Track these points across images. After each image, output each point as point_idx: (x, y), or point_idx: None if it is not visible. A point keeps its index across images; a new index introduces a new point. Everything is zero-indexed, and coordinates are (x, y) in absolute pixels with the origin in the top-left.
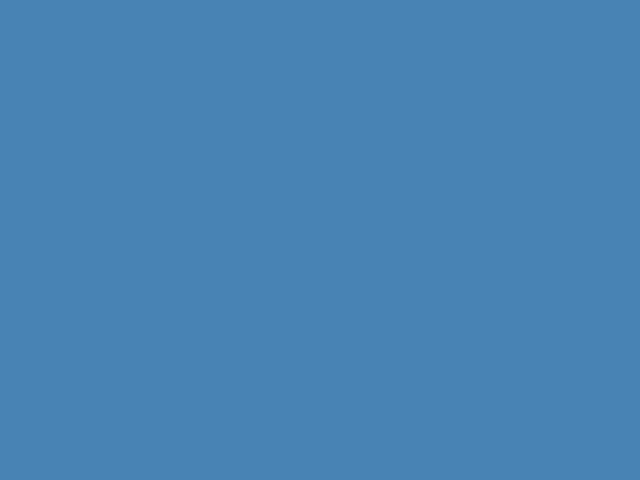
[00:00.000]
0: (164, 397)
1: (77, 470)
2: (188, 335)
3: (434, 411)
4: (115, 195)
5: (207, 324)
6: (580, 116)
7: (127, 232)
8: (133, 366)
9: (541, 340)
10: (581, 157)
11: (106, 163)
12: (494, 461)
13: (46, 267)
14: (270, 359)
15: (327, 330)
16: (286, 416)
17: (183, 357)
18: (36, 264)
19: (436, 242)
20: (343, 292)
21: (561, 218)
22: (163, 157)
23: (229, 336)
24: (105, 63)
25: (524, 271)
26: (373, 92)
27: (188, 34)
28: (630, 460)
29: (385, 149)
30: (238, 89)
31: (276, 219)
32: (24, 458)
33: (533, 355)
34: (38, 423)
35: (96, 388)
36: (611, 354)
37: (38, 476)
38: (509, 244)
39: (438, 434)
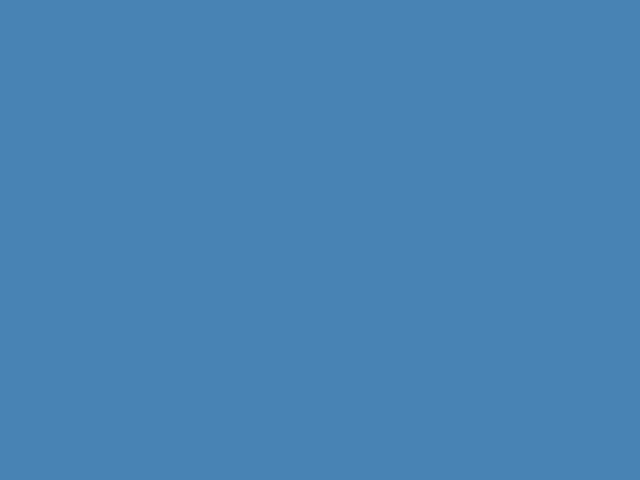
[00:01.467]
0: (164, 397)
1: (77, 470)
2: (188, 335)
3: (434, 411)
4: (115, 195)
5: (207, 324)
6: (580, 116)
7: (127, 232)
8: (133, 366)
9: (541, 340)
10: (581, 157)
11: (106, 163)
12: (494, 461)
13: (46, 267)
14: (270, 359)
15: (327, 330)
16: (286, 416)
17: (183, 357)
18: (36, 264)
19: (436, 242)
20: (343, 292)
21: (561, 218)
22: (163, 157)
23: (229, 336)
24: (105, 63)
25: (524, 271)
26: (373, 92)
27: (188, 34)
28: (630, 460)
29: (385, 149)
30: (238, 89)
31: (276, 219)
32: (24, 458)
33: (533, 355)
34: (38, 423)
35: (96, 388)
36: (611, 354)
37: (38, 476)
38: (509, 244)
39: (438, 434)
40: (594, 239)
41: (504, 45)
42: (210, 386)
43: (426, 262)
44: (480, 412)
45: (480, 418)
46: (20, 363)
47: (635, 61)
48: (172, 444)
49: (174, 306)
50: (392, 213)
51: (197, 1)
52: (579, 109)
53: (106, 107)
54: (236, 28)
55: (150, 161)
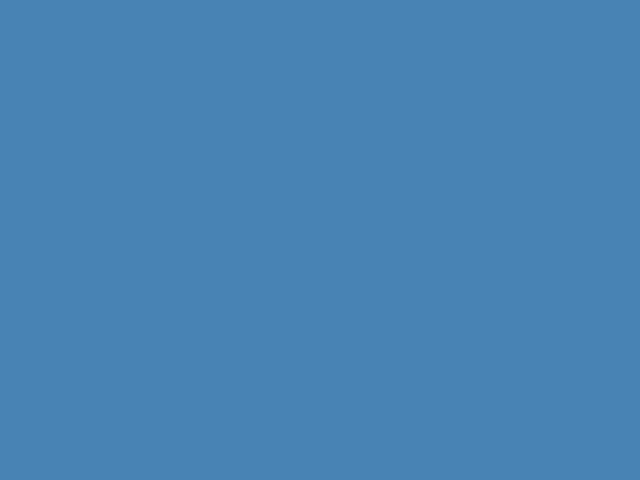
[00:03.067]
0: (164, 397)
1: (77, 470)
2: (188, 335)
3: (434, 411)
4: (115, 195)
5: (207, 324)
6: (580, 116)
7: (127, 232)
8: (133, 366)
9: (541, 340)
10: (581, 157)
11: (106, 163)
12: (494, 461)
13: (46, 267)
14: (270, 359)
15: (327, 330)
16: (286, 416)
17: (183, 357)
18: (36, 264)
19: (436, 242)
20: (343, 292)
21: (561, 218)
22: (163, 157)
23: (229, 336)
24: (105, 63)
25: (524, 271)
26: (373, 92)
27: (188, 34)
28: (630, 460)
29: (385, 149)
30: (238, 89)
31: (276, 219)
32: (24, 458)
33: (533, 355)
34: (38, 423)
35: (96, 388)
36: (611, 354)
37: (38, 476)
38: (509, 244)
39: (438, 434)
40: (594, 239)
41: (504, 45)
42: (210, 386)
43: (426, 262)
44: (480, 412)
45: (480, 418)
46: (20, 363)
47: (635, 61)
48: (172, 444)
49: (174, 306)
50: (392, 213)
51: (197, 1)
52: (579, 109)
53: (106, 107)
54: (236, 28)
55: (150, 161)
